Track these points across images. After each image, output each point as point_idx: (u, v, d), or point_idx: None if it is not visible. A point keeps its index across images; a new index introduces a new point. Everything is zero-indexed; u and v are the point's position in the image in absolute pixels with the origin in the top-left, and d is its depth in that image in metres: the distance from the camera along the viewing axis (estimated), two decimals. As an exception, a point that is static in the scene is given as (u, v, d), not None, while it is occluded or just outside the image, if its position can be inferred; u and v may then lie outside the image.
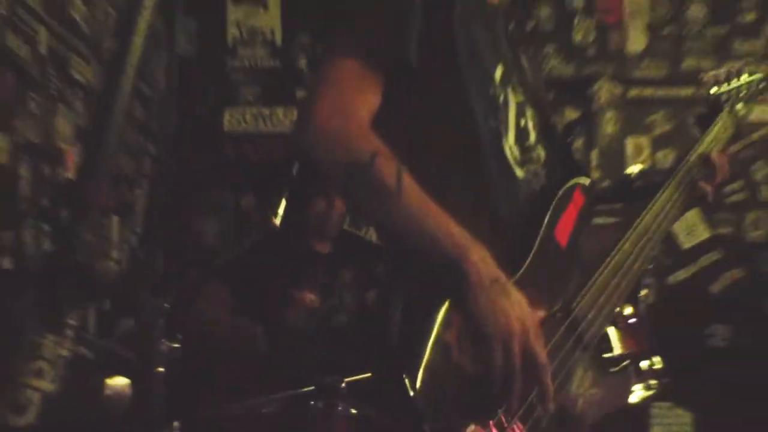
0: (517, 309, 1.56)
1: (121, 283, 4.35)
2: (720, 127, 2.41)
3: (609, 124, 5.04)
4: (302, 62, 5.14)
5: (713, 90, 2.55)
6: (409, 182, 1.60)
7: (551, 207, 1.83)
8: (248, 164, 5.06)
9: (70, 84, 3.39)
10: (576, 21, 5.13)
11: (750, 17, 5.14)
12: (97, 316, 3.89)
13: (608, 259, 1.93)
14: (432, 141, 1.78)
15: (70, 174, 3.39)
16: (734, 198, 4.91)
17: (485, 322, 1.52)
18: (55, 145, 3.24)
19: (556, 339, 1.72)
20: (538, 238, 1.76)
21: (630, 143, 5.06)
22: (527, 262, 1.72)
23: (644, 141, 5.06)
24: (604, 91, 5.07)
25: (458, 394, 1.56)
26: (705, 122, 2.45)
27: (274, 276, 3.86)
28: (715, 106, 2.50)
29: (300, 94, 5.10)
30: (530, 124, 1.95)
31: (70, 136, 3.38)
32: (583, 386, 1.80)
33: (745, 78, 2.58)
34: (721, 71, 2.56)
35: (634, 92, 5.12)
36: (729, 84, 2.56)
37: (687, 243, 5.01)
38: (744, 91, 2.57)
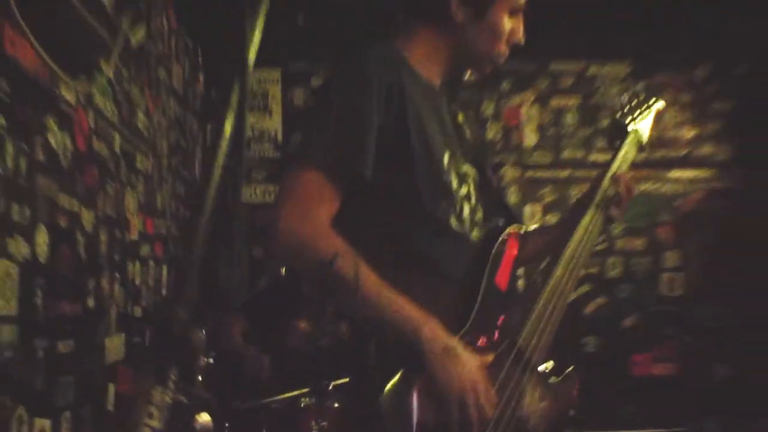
0: (467, 370, 1.48)
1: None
2: (626, 150, 2.07)
3: (512, 196, 5.08)
4: (296, 153, 5.16)
5: (618, 114, 2.16)
6: (366, 276, 1.49)
7: (490, 260, 1.71)
8: (259, 227, 5.05)
9: (135, 173, 3.38)
10: (488, 124, 5.19)
11: (605, 123, 5.22)
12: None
13: (543, 288, 1.77)
14: (390, 229, 1.66)
15: (134, 236, 3.38)
16: (599, 247, 4.95)
17: (442, 386, 1.46)
18: (124, 217, 3.22)
19: (506, 370, 1.62)
20: (481, 290, 1.65)
21: (527, 209, 5.10)
22: (473, 315, 1.61)
23: (537, 207, 5.10)
24: (509, 173, 5.11)
25: None
26: (615, 145, 2.12)
27: (280, 310, 3.85)
28: (621, 131, 2.13)
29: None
30: (472, 188, 1.82)
31: (134, 210, 3.37)
32: (534, 403, 1.69)
33: (640, 98, 2.20)
34: (625, 96, 2.20)
35: (529, 173, 5.16)
36: (632, 107, 2.16)
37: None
38: (640, 111, 2.17)
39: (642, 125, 2.15)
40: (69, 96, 2.55)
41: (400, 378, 1.48)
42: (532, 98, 5.17)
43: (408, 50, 1.78)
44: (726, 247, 5.02)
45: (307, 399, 3.22)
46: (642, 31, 4.81)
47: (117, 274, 3.13)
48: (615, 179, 1.96)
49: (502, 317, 1.71)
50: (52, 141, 2.42)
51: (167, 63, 3.98)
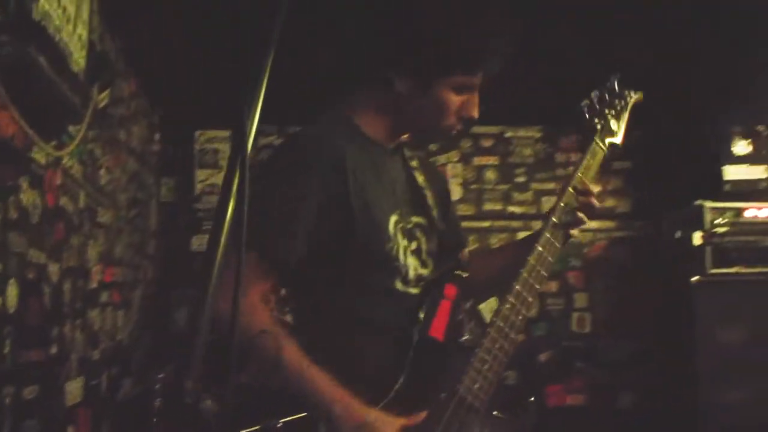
0: None
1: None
2: (590, 155, 1.77)
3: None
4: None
5: (587, 116, 1.82)
6: (290, 354, 1.41)
7: (423, 315, 1.57)
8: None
9: (96, 226, 3.30)
10: (418, 180, 5.24)
11: (521, 179, 5.34)
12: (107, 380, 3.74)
13: (488, 329, 1.58)
14: (336, 297, 1.59)
15: (95, 284, 3.29)
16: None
17: None
18: (86, 267, 3.14)
19: (447, 418, 1.50)
20: (412, 347, 1.54)
21: (453, 257, 5.13)
22: (404, 372, 1.50)
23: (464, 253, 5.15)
24: (437, 224, 5.16)
25: None
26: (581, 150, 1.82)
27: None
28: (588, 133, 1.80)
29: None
30: (423, 239, 1.71)
31: (95, 260, 3.29)
32: None
33: (617, 95, 1.89)
34: (593, 95, 1.85)
35: (454, 224, 5.20)
36: (600, 108, 1.84)
37: (488, 318, 5.10)
38: (615, 109, 1.85)
39: (613, 124, 1.83)
40: (40, 158, 2.49)
41: None
42: (457, 157, 5.26)
43: (357, 114, 1.69)
44: (626, 289, 5.18)
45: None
46: (551, 99, 4.97)
47: (78, 321, 3.04)
48: (577, 189, 1.71)
49: (441, 368, 1.57)
50: (24, 199, 2.36)
51: (127, 124, 3.93)
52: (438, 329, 1.58)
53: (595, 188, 1.74)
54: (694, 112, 4.85)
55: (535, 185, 5.30)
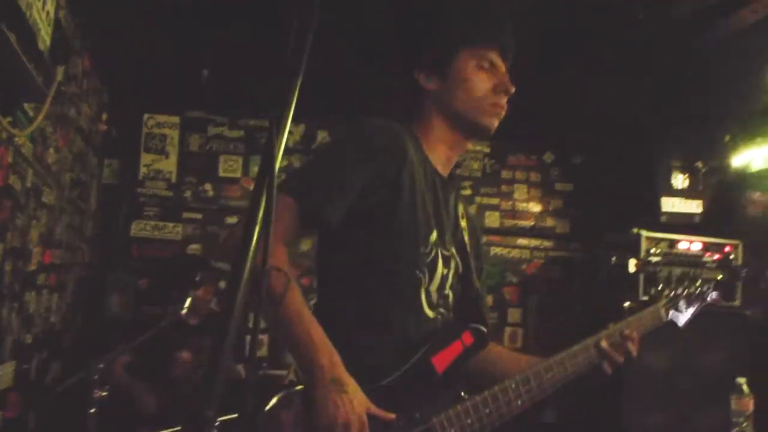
0: (347, 404, 1.37)
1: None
2: (648, 315, 1.90)
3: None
4: (188, 194, 5.04)
5: (660, 288, 2.01)
6: (293, 296, 1.42)
7: (434, 336, 1.59)
8: (146, 259, 4.88)
9: (40, 206, 3.20)
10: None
11: (467, 192, 5.40)
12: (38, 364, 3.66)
13: (488, 391, 1.58)
14: (359, 274, 1.59)
15: (34, 267, 3.19)
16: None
17: (319, 411, 1.37)
18: (27, 248, 3.04)
19: None
20: (414, 359, 1.55)
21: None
22: (395, 375, 1.52)
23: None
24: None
25: None
26: (637, 308, 1.93)
27: (165, 344, 3.73)
28: (653, 299, 1.97)
29: (185, 215, 5.00)
30: (450, 273, 1.71)
31: (36, 242, 3.18)
32: None
33: (696, 285, 2.04)
34: (677, 272, 1.99)
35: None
36: (678, 286, 2.01)
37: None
38: (690, 292, 2.02)
39: (682, 305, 2.01)
40: (-6, 134, 2.41)
41: (279, 399, 1.43)
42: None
43: (420, 134, 1.74)
44: (559, 308, 5.31)
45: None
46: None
47: (15, 304, 2.94)
48: (623, 334, 1.81)
49: (426, 394, 1.54)
50: (-25, 176, 2.28)
51: (78, 102, 3.82)
52: (441, 362, 1.58)
53: (635, 342, 1.82)
54: (638, 143, 5.02)
55: (479, 199, 5.39)
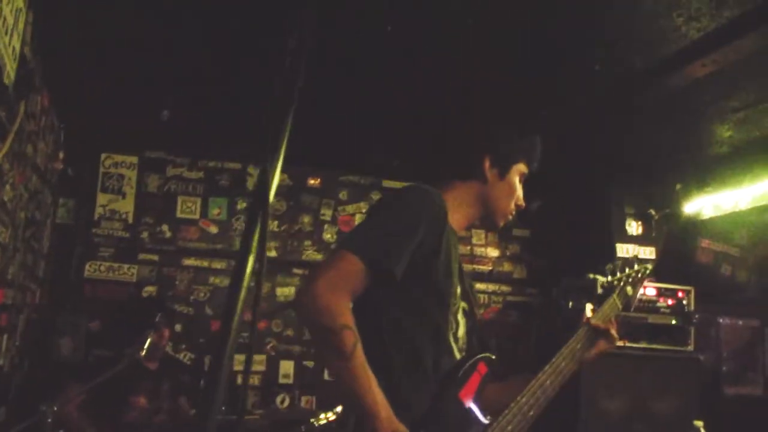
0: None
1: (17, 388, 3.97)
2: (608, 307, 2.22)
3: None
4: (145, 235, 4.96)
5: (609, 278, 2.34)
6: (359, 353, 1.56)
7: (459, 373, 1.78)
8: (99, 301, 4.77)
9: (-5, 244, 3.12)
10: (325, 227, 5.27)
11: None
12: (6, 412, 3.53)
13: (506, 410, 1.82)
14: (396, 325, 1.75)
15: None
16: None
17: None
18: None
19: None
20: (442, 394, 1.73)
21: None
22: (434, 418, 1.69)
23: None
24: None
25: None
26: (600, 302, 2.26)
27: (120, 387, 3.63)
28: (608, 291, 2.30)
29: (141, 256, 4.92)
30: (462, 321, 1.92)
31: (-11, 280, 3.10)
32: None
33: (635, 268, 2.39)
34: (617, 263, 2.38)
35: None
36: (621, 273, 2.34)
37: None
38: (632, 277, 2.35)
39: (629, 286, 2.33)
40: (-48, 168, 2.35)
41: None
42: (365, 208, 5.30)
43: (447, 198, 1.91)
44: (514, 352, 5.34)
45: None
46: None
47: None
48: (594, 328, 2.12)
49: (457, 427, 1.74)
50: (-69, 211, 2.21)
51: (35, 140, 3.75)
52: (466, 395, 1.78)
53: (612, 327, 2.15)
54: (592, 191, 5.14)
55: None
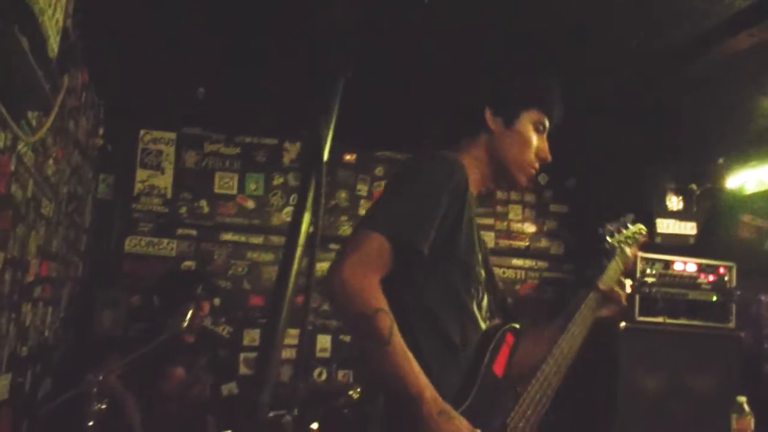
0: (458, 428, 1.51)
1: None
2: (613, 269, 2.20)
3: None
4: (183, 210, 5.01)
5: (609, 240, 2.31)
6: (397, 336, 1.51)
7: (490, 349, 1.75)
8: (139, 276, 4.84)
9: (39, 217, 3.17)
10: (361, 203, 5.28)
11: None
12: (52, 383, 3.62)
13: (533, 380, 1.82)
14: (423, 302, 1.70)
15: (31, 278, 3.15)
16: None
17: None
18: (26, 259, 3.01)
19: None
20: (477, 370, 1.70)
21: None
22: (472, 395, 1.64)
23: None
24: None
25: None
26: (603, 265, 2.23)
27: (158, 359, 3.69)
28: (610, 253, 2.27)
29: (180, 231, 4.97)
30: (484, 290, 1.86)
31: (34, 253, 3.15)
32: None
33: (631, 229, 2.37)
34: (614, 225, 2.35)
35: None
36: (619, 234, 2.32)
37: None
38: (630, 239, 2.34)
39: (627, 247, 2.31)
40: (-1, 141, 2.39)
41: None
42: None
43: (462, 158, 1.84)
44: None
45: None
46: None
47: (13, 315, 2.90)
48: (603, 292, 2.11)
49: (496, 401, 1.72)
50: (-21, 183, 2.25)
51: (77, 115, 3.80)
52: (499, 367, 1.76)
53: (619, 289, 2.15)
54: (632, 165, 5.06)
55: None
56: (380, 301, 1.52)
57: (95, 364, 3.26)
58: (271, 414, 0.77)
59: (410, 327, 1.63)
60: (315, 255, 0.86)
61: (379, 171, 5.33)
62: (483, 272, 1.85)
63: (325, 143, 0.88)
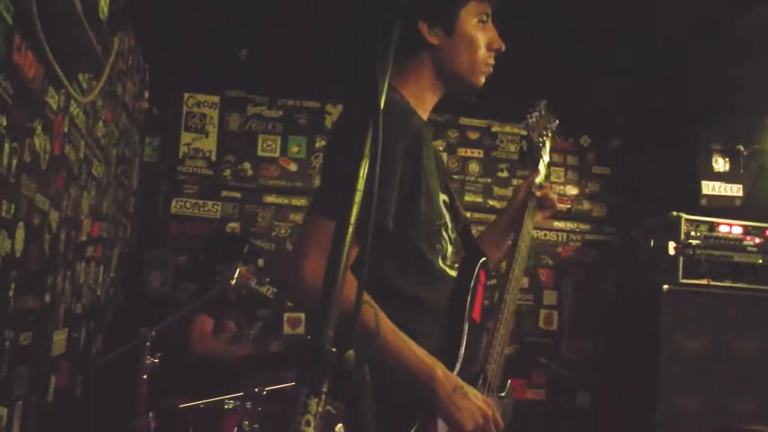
0: (476, 403, 1.45)
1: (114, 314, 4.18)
2: (543, 169, 2.08)
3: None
4: (227, 173, 5.08)
5: (533, 135, 2.09)
6: (385, 323, 1.41)
7: (468, 298, 1.64)
8: (185, 237, 4.94)
9: (91, 178, 3.26)
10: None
11: (504, 174, 5.40)
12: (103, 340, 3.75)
13: (497, 319, 1.73)
14: (388, 272, 1.55)
15: (84, 238, 3.25)
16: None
17: (458, 422, 1.42)
18: (79, 219, 3.10)
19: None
20: (465, 327, 1.60)
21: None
22: (461, 353, 1.57)
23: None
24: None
25: None
26: (533, 163, 2.09)
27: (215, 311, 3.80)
28: (537, 150, 2.09)
29: (224, 193, 5.05)
30: (448, 216, 1.71)
31: (86, 213, 3.24)
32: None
33: (546, 122, 2.15)
34: (533, 115, 2.10)
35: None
36: (540, 126, 2.11)
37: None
38: (549, 130, 2.16)
39: (548, 143, 2.16)
40: (53, 103, 2.45)
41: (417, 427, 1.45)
42: (443, 146, 5.29)
43: (402, 88, 1.68)
44: (594, 291, 5.31)
45: (232, 402, 3.16)
46: (535, 101, 5.04)
47: (68, 273, 3.00)
48: (537, 198, 2.00)
49: (477, 348, 1.66)
50: (36, 144, 2.32)
51: (124, 79, 3.87)
52: (477, 313, 1.67)
53: (549, 190, 2.07)
54: (677, 127, 4.98)
55: (516, 181, 5.36)
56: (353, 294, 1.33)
57: (149, 321, 3.37)
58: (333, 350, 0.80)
59: (384, 300, 1.46)
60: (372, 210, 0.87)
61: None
62: (445, 210, 1.69)
63: (383, 89, 0.90)
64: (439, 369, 1.44)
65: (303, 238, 1.47)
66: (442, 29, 1.68)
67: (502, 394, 1.76)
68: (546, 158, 2.12)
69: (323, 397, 0.76)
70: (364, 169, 0.86)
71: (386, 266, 1.56)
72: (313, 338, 0.80)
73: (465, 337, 1.60)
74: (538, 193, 2.01)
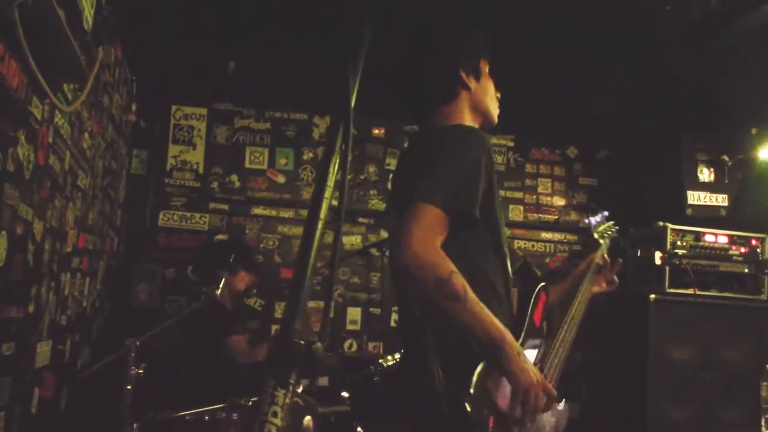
0: (532, 369, 1.69)
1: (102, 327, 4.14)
2: (602, 250, 2.65)
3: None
4: (215, 185, 5.08)
5: (596, 230, 2.80)
6: (470, 292, 1.67)
7: (531, 303, 1.98)
8: (173, 249, 4.93)
9: (76, 189, 3.25)
10: (390, 176, 5.30)
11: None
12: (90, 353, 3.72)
13: (556, 337, 2.13)
14: (470, 257, 1.85)
15: (69, 248, 3.24)
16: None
17: (518, 380, 1.65)
18: (64, 230, 3.09)
19: None
20: (527, 322, 1.93)
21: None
22: (521, 338, 1.88)
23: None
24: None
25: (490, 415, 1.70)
26: (591, 247, 2.69)
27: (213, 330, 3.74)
28: (595, 243, 2.71)
29: (212, 205, 5.05)
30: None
31: (72, 224, 3.24)
32: (547, 417, 1.91)
33: (606, 225, 2.83)
34: (595, 218, 2.84)
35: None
36: (600, 227, 2.80)
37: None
38: (609, 232, 2.81)
39: (606, 239, 2.77)
40: (38, 113, 2.45)
41: (483, 368, 1.70)
42: (430, 158, 5.28)
43: (461, 122, 2.07)
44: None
45: (223, 413, 3.13)
46: (524, 113, 5.05)
47: (53, 283, 2.99)
48: (597, 266, 2.58)
49: (534, 345, 1.97)
50: (20, 153, 2.32)
51: (110, 90, 3.87)
52: (537, 317, 2.00)
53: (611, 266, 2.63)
54: (662, 137, 5.01)
55: (503, 192, 5.38)
56: (451, 265, 1.67)
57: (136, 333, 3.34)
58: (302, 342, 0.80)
59: (468, 277, 1.76)
60: (345, 193, 0.90)
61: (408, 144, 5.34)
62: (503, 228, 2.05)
63: (353, 90, 0.91)
64: (509, 335, 1.68)
65: (411, 219, 1.70)
66: (474, 75, 2.13)
67: (559, 407, 2.01)
68: (605, 250, 2.70)
69: (291, 388, 0.77)
70: (335, 165, 0.87)
71: (472, 251, 1.86)
72: (281, 331, 0.81)
73: (525, 327, 1.91)
74: (599, 261, 2.59)
